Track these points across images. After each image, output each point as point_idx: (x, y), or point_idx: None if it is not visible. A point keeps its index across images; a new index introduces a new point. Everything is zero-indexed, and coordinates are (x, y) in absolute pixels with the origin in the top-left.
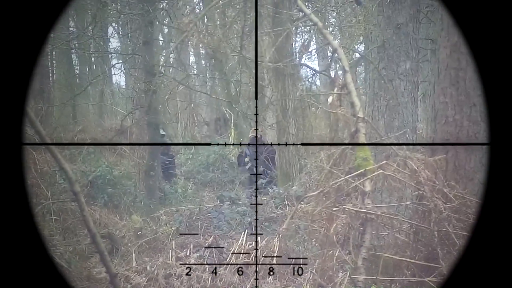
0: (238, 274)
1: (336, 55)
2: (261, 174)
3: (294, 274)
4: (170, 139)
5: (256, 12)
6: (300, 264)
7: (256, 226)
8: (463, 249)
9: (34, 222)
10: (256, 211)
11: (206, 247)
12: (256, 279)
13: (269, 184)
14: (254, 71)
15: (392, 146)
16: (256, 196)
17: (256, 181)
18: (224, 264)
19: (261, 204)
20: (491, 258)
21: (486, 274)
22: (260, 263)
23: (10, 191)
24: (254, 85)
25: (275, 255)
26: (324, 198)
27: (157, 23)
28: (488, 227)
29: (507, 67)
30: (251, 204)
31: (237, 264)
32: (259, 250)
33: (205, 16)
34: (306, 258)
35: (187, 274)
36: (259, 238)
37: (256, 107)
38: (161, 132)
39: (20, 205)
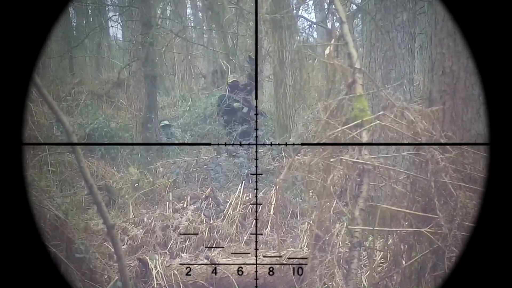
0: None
1: (333, 6)
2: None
3: (289, 227)
4: (167, 91)
5: None
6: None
7: (256, 228)
8: (463, 250)
9: (34, 222)
10: (257, 211)
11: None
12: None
13: (266, 135)
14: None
15: (389, 97)
16: (256, 196)
17: (256, 181)
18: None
19: (261, 204)
20: (491, 260)
21: (486, 276)
22: (256, 217)
23: (10, 191)
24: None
25: (273, 206)
26: (321, 149)
27: None
28: (488, 227)
29: (507, 67)
30: (251, 203)
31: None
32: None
33: None
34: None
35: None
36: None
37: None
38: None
39: (20, 205)
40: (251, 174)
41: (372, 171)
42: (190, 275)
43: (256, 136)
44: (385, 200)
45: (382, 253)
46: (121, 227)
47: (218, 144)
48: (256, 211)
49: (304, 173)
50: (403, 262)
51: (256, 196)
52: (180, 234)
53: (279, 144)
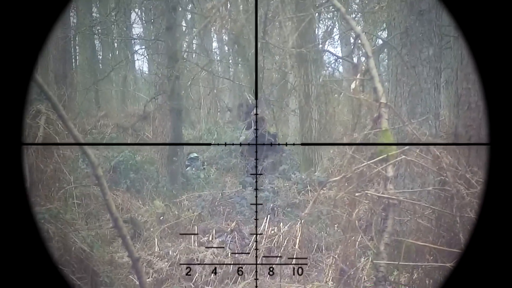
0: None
1: (359, 41)
2: (261, 174)
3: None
4: (193, 125)
5: None
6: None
7: (256, 228)
8: (464, 250)
9: (34, 222)
10: (256, 211)
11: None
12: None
13: (291, 170)
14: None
15: (415, 132)
16: (256, 196)
17: (256, 181)
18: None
19: (261, 204)
20: (492, 259)
21: (486, 275)
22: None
23: (10, 191)
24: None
25: (298, 240)
26: (346, 184)
27: (180, 8)
28: (488, 227)
29: (507, 67)
30: (251, 204)
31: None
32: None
33: (228, 2)
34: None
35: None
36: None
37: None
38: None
39: (20, 205)
40: (251, 174)
41: (397, 206)
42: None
43: (256, 136)
44: (410, 235)
45: (407, 287)
46: (146, 260)
47: (218, 144)
48: (256, 212)
49: (329, 207)
50: None
51: (256, 196)
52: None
53: (279, 144)
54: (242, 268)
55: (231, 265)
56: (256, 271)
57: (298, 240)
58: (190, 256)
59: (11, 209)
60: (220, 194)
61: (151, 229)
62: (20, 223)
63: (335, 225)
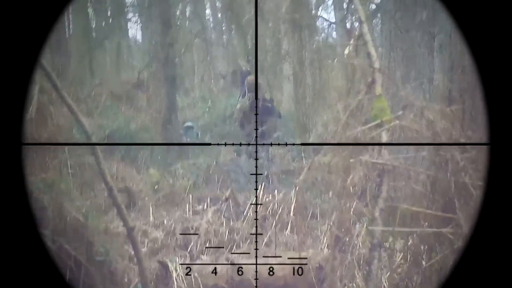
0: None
1: (352, 6)
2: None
3: (309, 228)
4: (187, 92)
5: None
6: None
7: (256, 226)
8: (462, 251)
9: (35, 223)
10: (256, 211)
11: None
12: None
13: (286, 136)
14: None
15: (409, 97)
16: (257, 197)
17: (256, 182)
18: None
19: (261, 204)
20: (491, 260)
21: (486, 276)
22: (277, 217)
23: (10, 192)
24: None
25: (292, 207)
26: (340, 150)
27: None
28: (488, 227)
29: (507, 67)
30: (252, 203)
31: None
32: (275, 203)
33: None
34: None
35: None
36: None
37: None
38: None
39: (20, 205)
40: (251, 174)
41: (392, 172)
42: (190, 275)
43: (256, 136)
44: (405, 201)
45: (402, 254)
46: (141, 230)
47: (218, 144)
48: (256, 211)
49: (324, 174)
50: (423, 262)
51: (256, 196)
52: (180, 234)
53: (279, 144)
54: (237, 235)
55: (226, 234)
56: (256, 241)
57: (293, 207)
58: (185, 225)
59: (11, 209)
60: (214, 162)
61: (146, 198)
62: (20, 223)
63: (330, 192)
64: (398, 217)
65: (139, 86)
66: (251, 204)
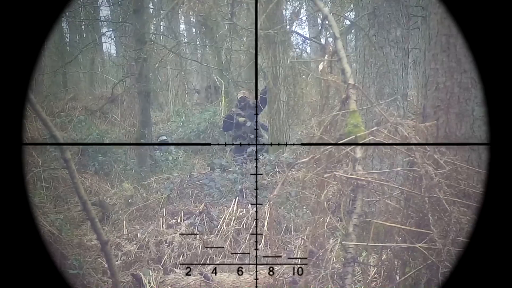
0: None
1: (327, 22)
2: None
3: (283, 242)
4: (161, 107)
5: None
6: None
7: (256, 228)
8: (463, 250)
9: (35, 223)
10: (256, 211)
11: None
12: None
13: (260, 151)
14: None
15: (383, 113)
16: (257, 197)
17: (256, 182)
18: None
19: (261, 204)
20: (491, 261)
21: (486, 276)
22: (250, 231)
23: (10, 192)
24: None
25: (266, 221)
26: (315, 165)
27: None
28: (488, 227)
29: (507, 67)
30: (252, 203)
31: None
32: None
33: None
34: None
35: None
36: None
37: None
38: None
39: (20, 205)
40: (251, 174)
41: (366, 187)
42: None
43: (256, 136)
44: (379, 216)
45: (376, 268)
46: (115, 243)
47: (218, 144)
48: (256, 211)
49: (298, 189)
50: (397, 277)
51: (256, 196)
52: (181, 234)
53: (279, 144)
54: (210, 249)
55: (199, 248)
56: (256, 241)
57: (266, 221)
58: (158, 238)
59: (11, 209)
60: (188, 176)
61: (120, 212)
62: (20, 223)
63: (304, 207)
64: (372, 232)
65: (113, 100)
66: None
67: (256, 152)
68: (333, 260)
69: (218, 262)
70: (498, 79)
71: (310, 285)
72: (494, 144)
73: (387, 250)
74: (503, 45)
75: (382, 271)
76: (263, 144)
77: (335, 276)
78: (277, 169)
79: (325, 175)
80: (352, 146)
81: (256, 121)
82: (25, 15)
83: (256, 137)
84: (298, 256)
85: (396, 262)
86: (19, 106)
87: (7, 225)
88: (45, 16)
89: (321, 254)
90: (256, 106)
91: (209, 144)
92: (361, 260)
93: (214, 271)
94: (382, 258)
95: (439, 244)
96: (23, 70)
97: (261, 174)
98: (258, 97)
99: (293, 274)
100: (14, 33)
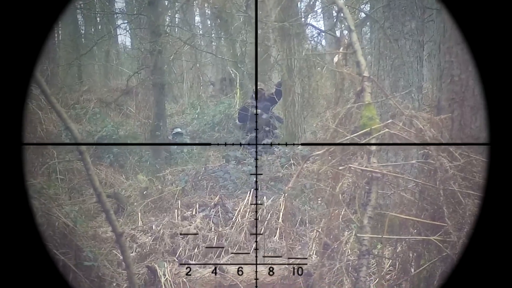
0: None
1: (342, 14)
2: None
3: (298, 235)
4: (176, 99)
5: None
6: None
7: (256, 228)
8: (462, 250)
9: (35, 223)
10: (256, 211)
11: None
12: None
13: (274, 143)
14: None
15: (398, 105)
16: (257, 197)
17: (257, 183)
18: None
19: (261, 204)
20: (491, 260)
21: (486, 277)
22: (266, 222)
23: (10, 192)
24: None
25: (281, 214)
26: (330, 157)
27: None
28: (488, 228)
29: (507, 68)
30: (251, 203)
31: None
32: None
33: None
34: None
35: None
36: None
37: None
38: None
39: (20, 206)
40: (251, 174)
41: (381, 179)
42: (190, 274)
43: (256, 136)
44: (393, 208)
45: (390, 261)
46: (130, 235)
47: (218, 144)
48: (256, 211)
49: (312, 181)
50: (412, 270)
51: (256, 196)
52: (181, 234)
53: (279, 144)
54: (225, 241)
55: (215, 239)
56: (256, 241)
57: (281, 213)
58: (173, 230)
59: (11, 209)
60: (203, 169)
61: (135, 204)
62: (20, 223)
63: (319, 199)
64: (386, 225)
65: (128, 92)
66: (251, 204)
67: (256, 152)
68: (348, 252)
69: (231, 253)
70: (498, 79)
71: (325, 277)
72: (494, 144)
73: (402, 242)
74: (503, 45)
75: (397, 264)
76: (263, 144)
77: (350, 268)
78: (292, 161)
79: (340, 168)
80: (367, 139)
81: (256, 121)
82: (25, 15)
83: (256, 136)
84: (312, 249)
85: (411, 255)
86: (19, 106)
87: (7, 225)
88: (45, 16)
89: (336, 246)
90: (256, 107)
91: (209, 144)
92: (376, 253)
93: (214, 271)
94: (397, 251)
95: (453, 237)
96: (23, 70)
97: (261, 174)
98: (263, 90)
99: (293, 274)
100: (14, 33)
